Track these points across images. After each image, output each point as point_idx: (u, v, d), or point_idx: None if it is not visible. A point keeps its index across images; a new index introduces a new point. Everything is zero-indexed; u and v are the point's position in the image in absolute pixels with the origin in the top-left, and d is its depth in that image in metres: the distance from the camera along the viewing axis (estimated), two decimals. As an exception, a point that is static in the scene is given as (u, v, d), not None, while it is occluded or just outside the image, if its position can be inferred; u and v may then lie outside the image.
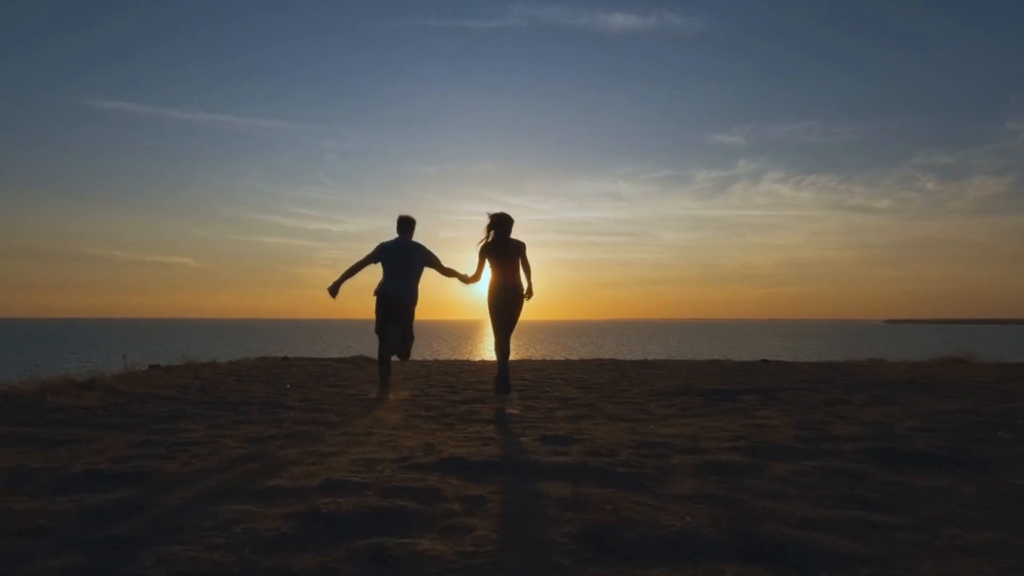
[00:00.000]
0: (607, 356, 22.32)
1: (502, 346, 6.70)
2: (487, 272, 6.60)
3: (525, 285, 6.52)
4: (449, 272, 6.87)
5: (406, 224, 6.85)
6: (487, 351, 37.41)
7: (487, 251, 6.48)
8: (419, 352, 44.45)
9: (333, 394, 7.48)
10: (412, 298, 6.72)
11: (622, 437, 4.19)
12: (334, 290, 6.57)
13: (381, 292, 6.62)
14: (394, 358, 7.15)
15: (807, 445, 3.92)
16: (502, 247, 6.39)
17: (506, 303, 6.48)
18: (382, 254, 6.60)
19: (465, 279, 6.74)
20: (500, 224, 6.37)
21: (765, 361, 15.64)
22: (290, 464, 3.42)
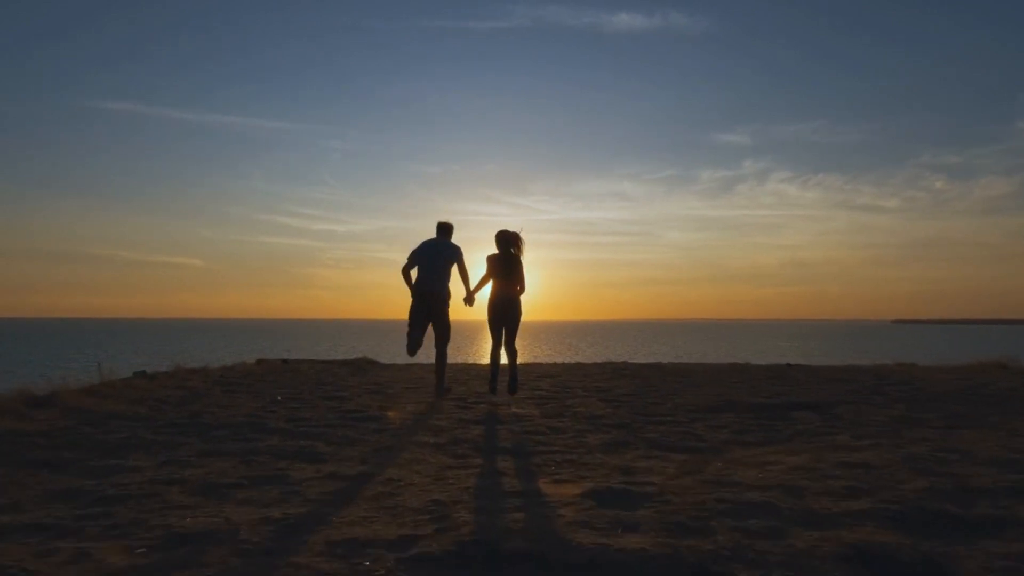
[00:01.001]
0: (618, 358, 21.14)
1: (507, 349, 7.08)
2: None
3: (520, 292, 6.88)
4: (464, 276, 7.10)
5: (443, 228, 7.11)
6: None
7: (490, 264, 6.87)
8: (424, 354, 43.30)
9: (327, 411, 6.40)
10: (443, 291, 6.91)
11: (696, 489, 3.08)
12: (410, 283, 6.98)
13: (415, 291, 6.89)
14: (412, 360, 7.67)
15: (960, 505, 2.79)
16: (504, 261, 6.77)
17: (503, 313, 6.84)
18: (418, 250, 6.92)
19: (466, 294, 7.09)
20: (505, 240, 6.81)
21: (789, 365, 14.52)
22: (237, 547, 2.34)
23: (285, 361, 15.55)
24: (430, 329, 7.19)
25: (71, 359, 43.57)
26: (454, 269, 7.13)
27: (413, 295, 6.89)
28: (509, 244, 6.80)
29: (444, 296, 6.92)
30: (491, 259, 6.85)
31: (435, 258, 6.93)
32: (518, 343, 7.21)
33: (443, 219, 7.22)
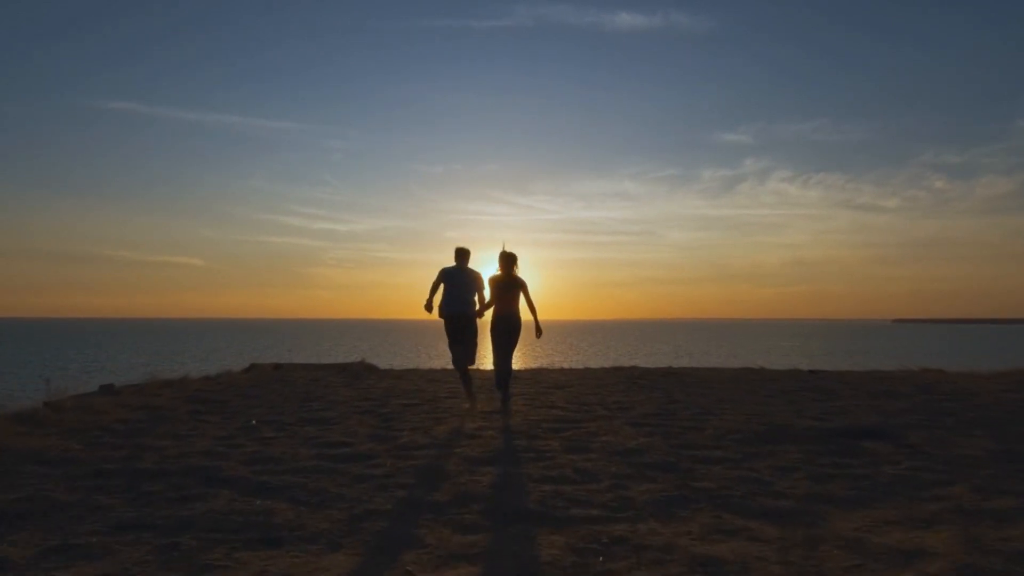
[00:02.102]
0: (626, 361, 19.97)
1: (502, 364, 7.12)
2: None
3: (532, 320, 7.13)
4: (481, 300, 7.27)
5: (461, 254, 7.33)
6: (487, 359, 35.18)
7: (492, 284, 7.09)
8: (428, 361, 42.36)
9: (305, 443, 5.18)
10: (472, 312, 7.17)
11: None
12: (428, 306, 7.20)
13: (446, 314, 7.12)
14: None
15: None
16: (504, 281, 7.02)
17: (505, 329, 6.99)
18: (445, 278, 7.18)
19: (479, 311, 7.21)
20: (505, 260, 7.05)
21: (812, 372, 13.36)
22: None
23: (277, 367, 14.33)
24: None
25: (71, 360, 42.47)
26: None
27: (442, 315, 7.17)
28: (511, 265, 7.05)
29: (472, 315, 7.17)
30: (493, 280, 7.11)
31: (461, 284, 7.18)
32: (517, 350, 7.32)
33: (461, 245, 7.41)
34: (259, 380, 11.05)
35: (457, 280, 7.14)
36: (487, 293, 7.18)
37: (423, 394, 8.86)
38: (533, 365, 32.86)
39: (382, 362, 35.68)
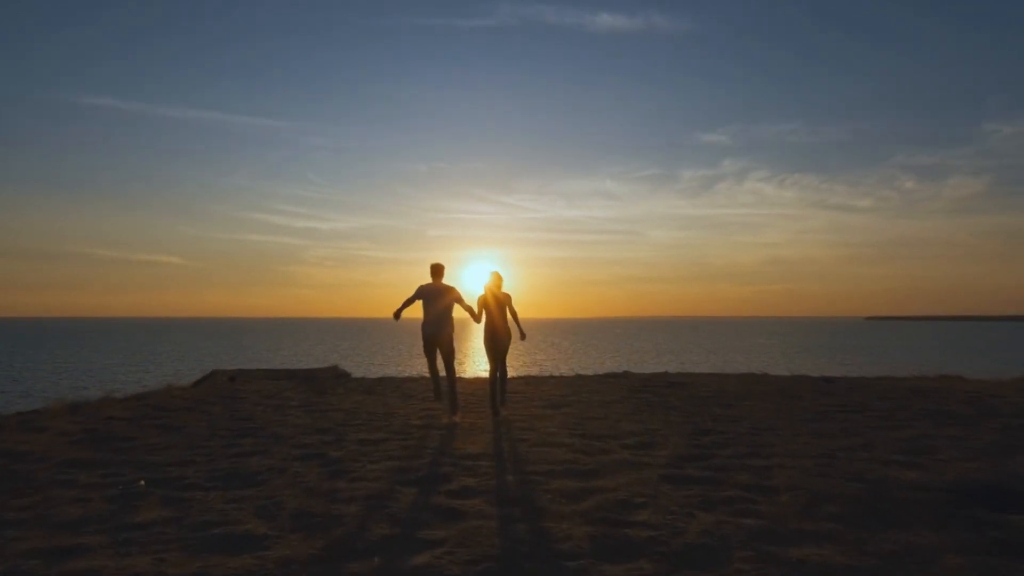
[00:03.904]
0: (612, 362, 18.16)
1: (497, 371, 7.36)
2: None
3: (515, 329, 7.41)
4: (467, 308, 7.29)
5: (435, 270, 7.28)
6: (479, 367, 33.23)
7: (482, 302, 7.32)
8: (408, 360, 39.96)
9: (187, 542, 3.31)
10: (449, 333, 7.23)
11: None
12: (397, 315, 7.16)
13: (424, 333, 7.17)
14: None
15: None
16: (493, 299, 7.31)
17: (497, 341, 7.32)
18: (421, 295, 7.18)
19: (474, 318, 7.29)
20: (494, 280, 7.38)
21: (827, 380, 11.69)
22: None
23: (232, 379, 12.34)
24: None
25: (42, 361, 39.72)
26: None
27: (422, 335, 7.20)
28: (498, 285, 7.37)
29: (449, 334, 7.21)
30: (482, 299, 7.32)
31: (436, 303, 7.16)
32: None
33: (435, 261, 7.39)
34: (204, 397, 9.06)
35: (434, 298, 7.17)
36: (469, 302, 7.28)
37: (392, 421, 6.99)
38: (519, 366, 30.92)
39: (359, 365, 33.56)
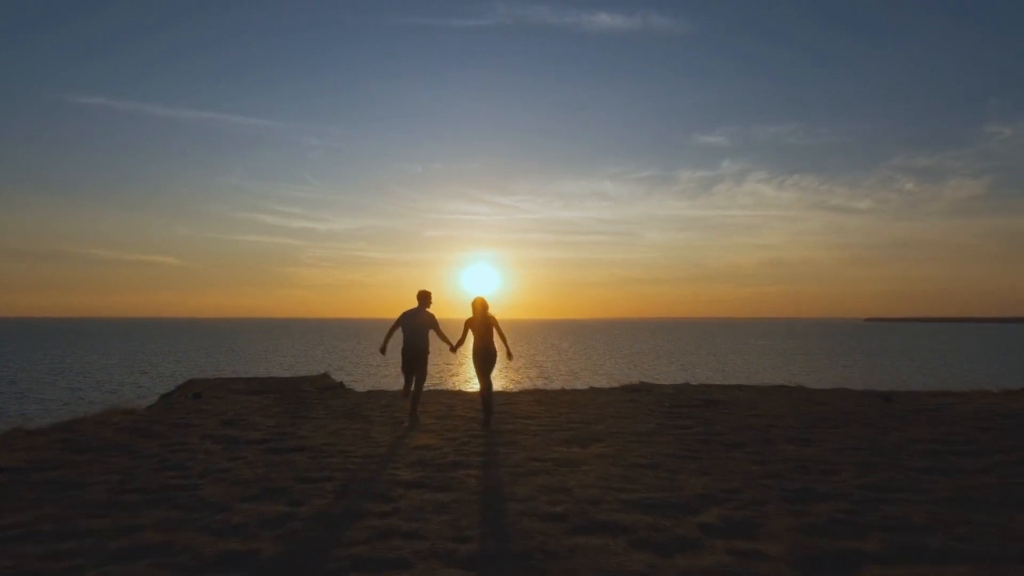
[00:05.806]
0: (617, 369, 16.33)
1: (484, 385, 7.55)
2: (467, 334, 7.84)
3: (504, 348, 7.68)
4: (442, 337, 7.71)
5: (422, 297, 7.80)
6: (468, 382, 31.27)
7: (469, 324, 7.68)
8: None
9: None
10: (425, 348, 7.68)
11: None
12: (383, 349, 7.68)
13: (404, 348, 7.61)
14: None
15: None
16: (480, 321, 7.61)
17: (485, 360, 7.58)
18: (403, 320, 7.66)
19: (451, 347, 7.64)
20: (480, 305, 7.65)
21: (887, 399, 9.88)
22: None
23: (198, 395, 10.43)
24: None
25: (37, 361, 37.81)
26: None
27: (403, 355, 7.61)
28: (485, 309, 7.64)
29: (425, 350, 7.68)
30: (469, 322, 7.67)
31: (416, 325, 7.65)
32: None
33: (423, 288, 7.92)
34: (147, 426, 7.10)
35: (413, 323, 7.63)
36: (455, 330, 7.73)
37: (371, 462, 5.11)
38: (522, 374, 28.49)
39: (353, 368, 31.44)
